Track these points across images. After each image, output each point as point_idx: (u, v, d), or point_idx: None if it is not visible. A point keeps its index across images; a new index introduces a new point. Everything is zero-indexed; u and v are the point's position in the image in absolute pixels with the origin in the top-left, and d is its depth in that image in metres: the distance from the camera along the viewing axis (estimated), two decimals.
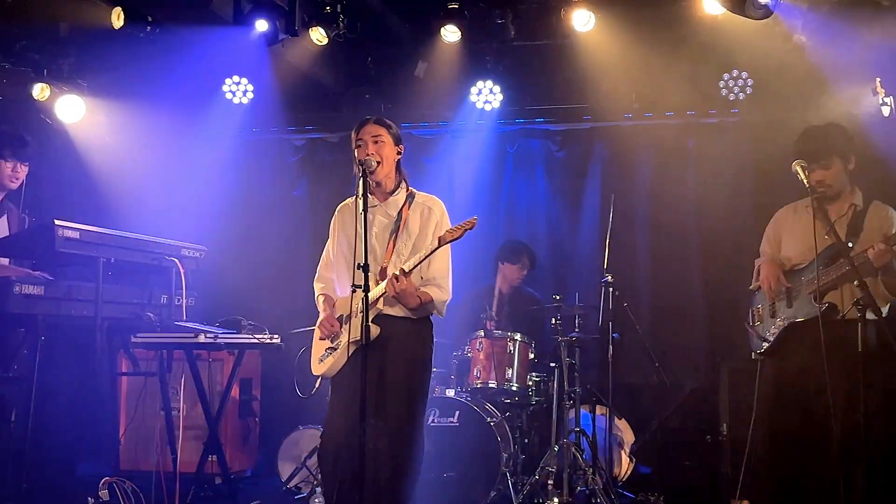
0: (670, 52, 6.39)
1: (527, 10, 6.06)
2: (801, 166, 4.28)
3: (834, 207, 4.49)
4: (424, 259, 4.04)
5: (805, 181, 4.23)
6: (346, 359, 4.09)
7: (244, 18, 5.28)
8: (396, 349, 4.12)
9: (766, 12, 5.21)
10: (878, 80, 6.03)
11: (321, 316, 4.31)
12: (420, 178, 6.78)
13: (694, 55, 6.37)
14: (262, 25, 5.66)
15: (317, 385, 4.38)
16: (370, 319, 3.91)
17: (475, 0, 5.89)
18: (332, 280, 4.37)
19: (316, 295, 4.42)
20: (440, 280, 4.20)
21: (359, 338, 3.84)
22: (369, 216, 4.02)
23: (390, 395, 4.08)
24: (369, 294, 3.87)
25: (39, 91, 6.64)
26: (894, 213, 4.52)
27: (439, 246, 4.02)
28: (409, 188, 4.35)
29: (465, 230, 4.01)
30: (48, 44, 6.60)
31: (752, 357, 4.76)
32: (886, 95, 6.06)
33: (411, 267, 4.01)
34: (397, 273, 3.96)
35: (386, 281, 4.01)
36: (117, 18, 5.71)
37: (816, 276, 4.28)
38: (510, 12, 5.88)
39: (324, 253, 4.47)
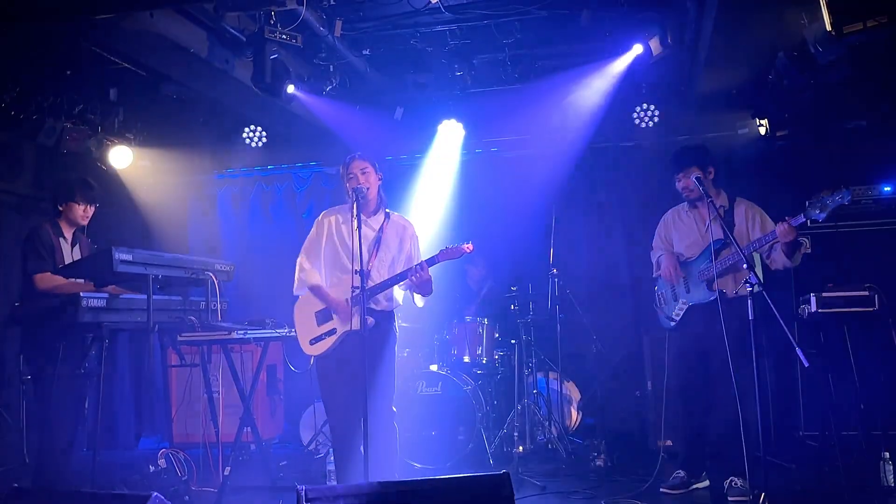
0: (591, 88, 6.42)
1: (479, 64, 6.08)
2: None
3: (706, 212, 4.46)
4: (432, 262, 4.15)
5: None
6: (336, 343, 4.12)
7: (259, 80, 5.16)
8: (379, 334, 4.19)
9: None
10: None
11: (333, 302, 4.17)
12: (402, 197, 6.79)
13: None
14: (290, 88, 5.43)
15: (311, 363, 4.38)
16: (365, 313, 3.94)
17: (439, 56, 5.91)
18: (318, 272, 4.27)
19: (309, 282, 4.24)
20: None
21: (358, 327, 3.85)
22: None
23: (377, 367, 4.14)
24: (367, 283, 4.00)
25: (96, 144, 6.59)
26: (754, 204, 4.57)
27: (441, 258, 4.14)
28: (387, 209, 4.39)
29: (463, 253, 4.15)
30: (101, 106, 6.55)
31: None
32: (762, 118, 6.14)
33: (424, 261, 4.14)
34: (420, 265, 4.12)
35: (407, 270, 4.15)
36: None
37: (711, 267, 4.34)
38: (467, 66, 5.91)
39: (307, 243, 4.33)
